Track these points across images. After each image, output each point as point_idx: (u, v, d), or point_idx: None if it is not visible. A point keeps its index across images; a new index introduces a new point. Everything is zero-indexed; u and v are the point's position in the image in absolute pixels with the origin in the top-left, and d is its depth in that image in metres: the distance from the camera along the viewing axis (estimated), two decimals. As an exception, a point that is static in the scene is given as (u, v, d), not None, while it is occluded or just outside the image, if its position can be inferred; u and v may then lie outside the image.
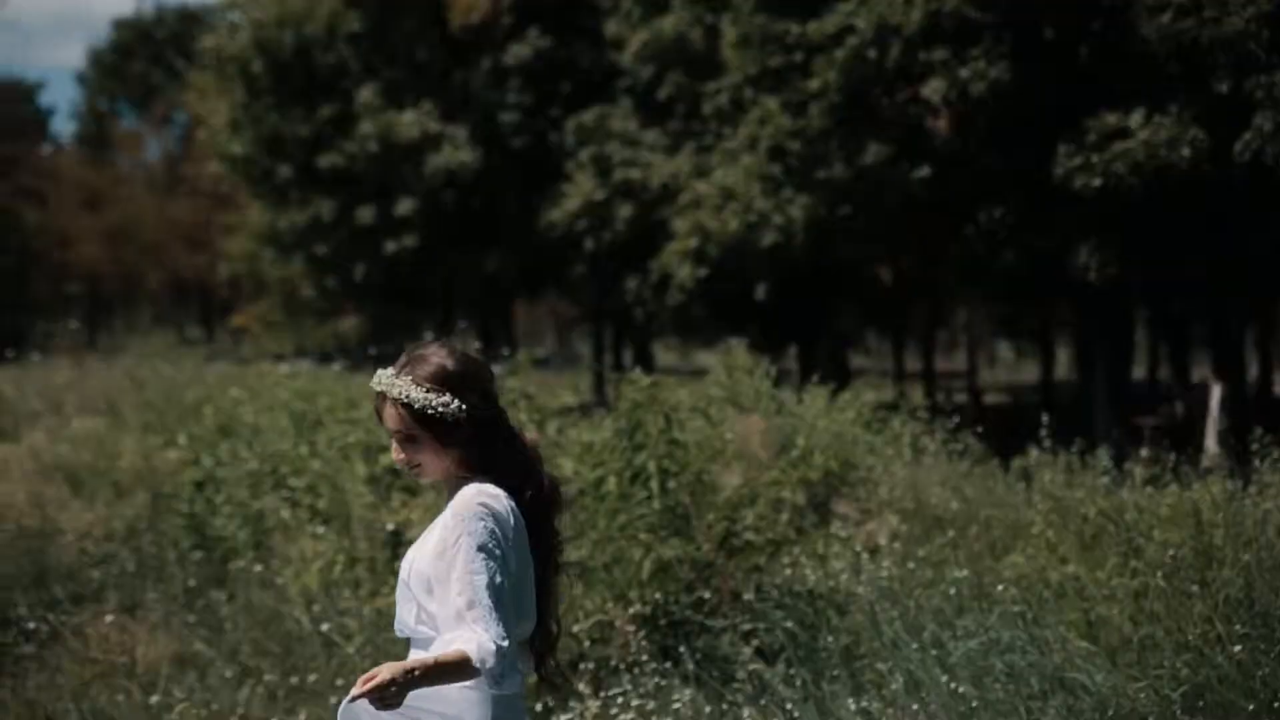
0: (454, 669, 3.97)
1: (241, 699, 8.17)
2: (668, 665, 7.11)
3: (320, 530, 9.60)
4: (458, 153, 31.26)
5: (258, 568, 9.41)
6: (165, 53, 65.32)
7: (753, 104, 23.39)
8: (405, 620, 4.23)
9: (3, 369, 19.22)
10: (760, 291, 26.09)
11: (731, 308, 27.76)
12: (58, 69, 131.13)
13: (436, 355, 4.27)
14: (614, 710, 6.69)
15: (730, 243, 24.20)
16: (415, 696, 3.99)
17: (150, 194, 60.35)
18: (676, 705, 6.69)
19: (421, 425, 4.20)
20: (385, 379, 4.23)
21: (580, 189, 29.01)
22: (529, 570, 4.21)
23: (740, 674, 7.13)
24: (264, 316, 42.50)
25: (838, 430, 10.51)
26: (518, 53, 32.11)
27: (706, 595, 7.61)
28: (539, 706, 7.08)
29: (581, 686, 6.95)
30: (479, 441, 4.23)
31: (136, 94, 66.90)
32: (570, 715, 6.83)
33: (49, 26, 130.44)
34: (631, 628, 7.15)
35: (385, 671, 3.87)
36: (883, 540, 8.51)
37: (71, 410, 13.92)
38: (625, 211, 28.51)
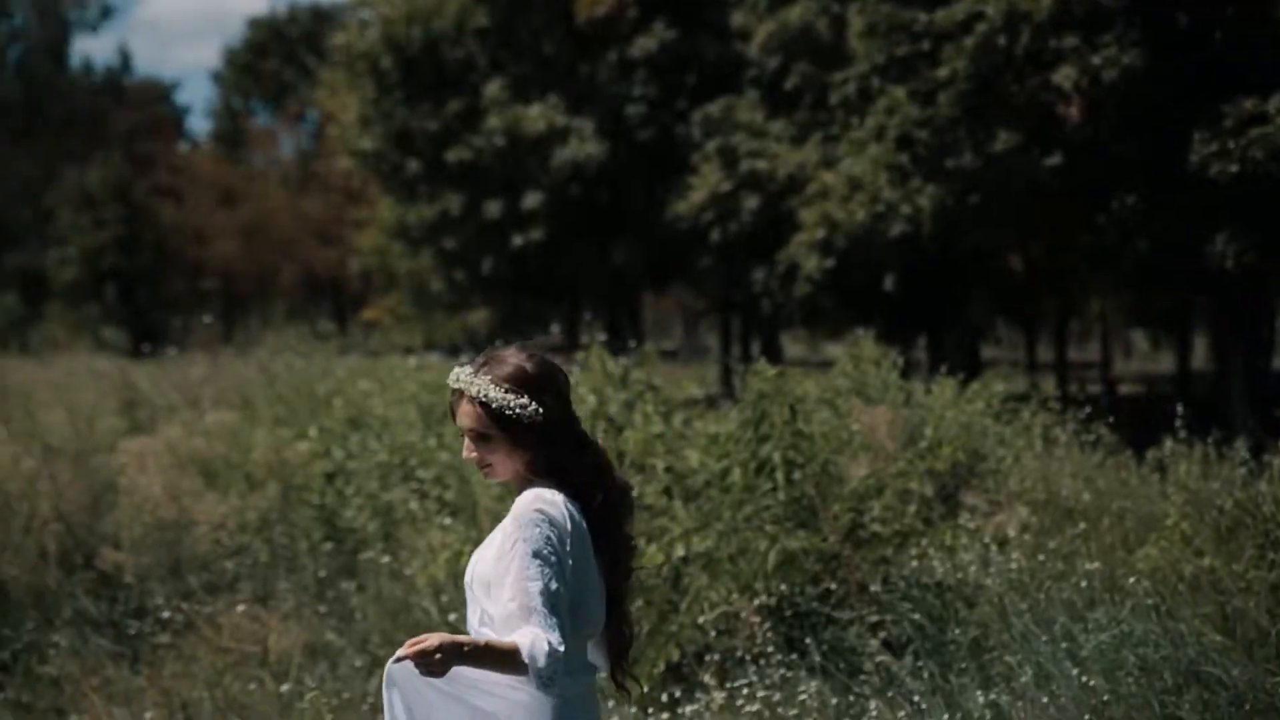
0: (502, 657, 3.99)
1: (371, 688, 8.26)
2: (793, 657, 7.07)
3: (448, 521, 9.67)
4: (584, 146, 31.34)
5: (387, 559, 9.49)
6: (298, 51, 66.15)
7: (880, 93, 23.19)
8: (470, 621, 4.26)
9: (140, 364, 19.60)
10: (888, 282, 25.88)
11: (859, 298, 27.56)
12: (194, 68, 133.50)
13: (515, 357, 4.29)
14: (739, 701, 6.67)
15: (857, 233, 24.02)
16: (464, 685, 4.09)
17: (283, 190, 61.18)
18: (803, 697, 6.65)
19: (497, 425, 4.22)
20: (464, 377, 4.26)
21: (706, 180, 28.93)
22: (591, 575, 4.23)
23: (867, 666, 7.07)
24: (394, 310, 42.90)
25: (966, 421, 10.39)
26: (644, 45, 32.11)
27: (833, 587, 7.56)
28: (664, 697, 7.08)
29: (707, 678, 6.94)
30: (551, 445, 4.25)
31: (270, 92, 67.82)
32: (696, 706, 6.82)
33: (185, 27, 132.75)
34: (757, 619, 7.12)
35: (434, 639, 3.91)
36: (1012, 532, 8.40)
37: (207, 404, 14.13)
38: (752, 203, 28.40)
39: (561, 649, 3.96)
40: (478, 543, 9.10)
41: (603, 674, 4.43)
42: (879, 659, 7.04)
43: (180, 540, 10.20)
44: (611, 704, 7.20)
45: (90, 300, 51.04)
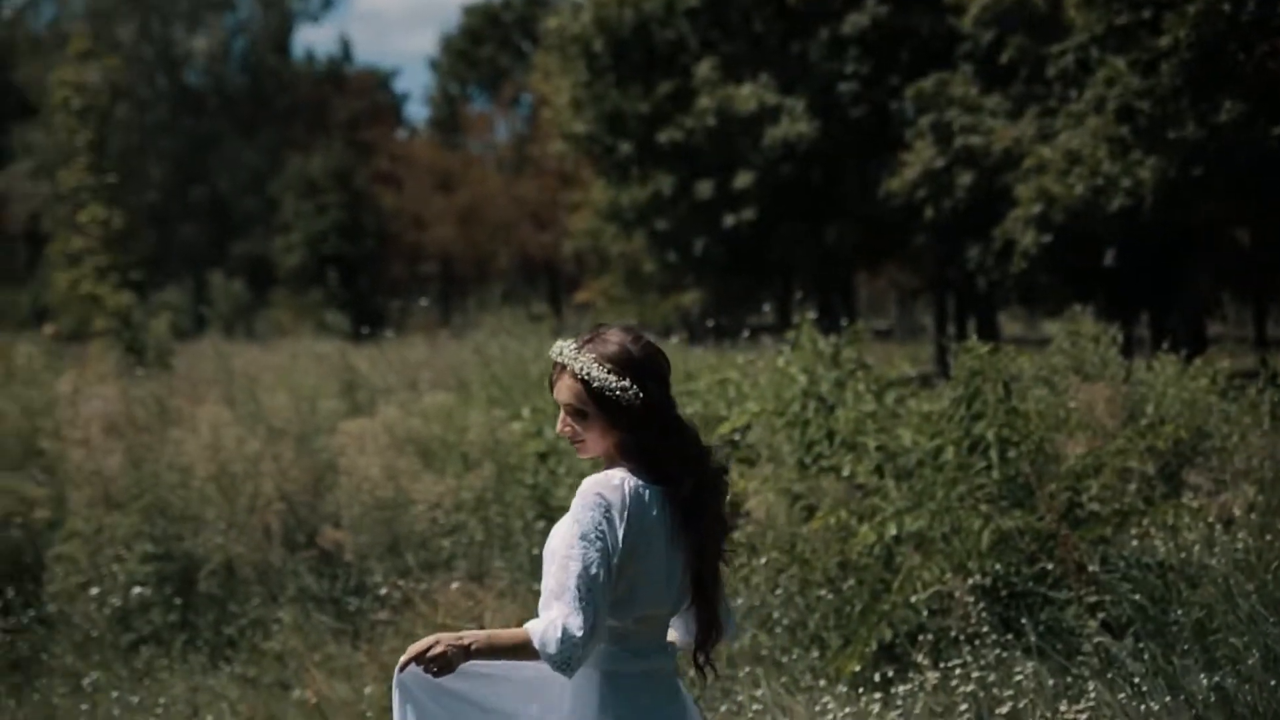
0: (514, 648, 4.11)
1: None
2: (1009, 637, 6.95)
3: (661, 500, 9.67)
4: (796, 124, 31.17)
5: (598, 537, 9.53)
6: (512, 36, 66.87)
7: (1099, 64, 22.67)
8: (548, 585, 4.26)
9: (360, 347, 20.00)
10: (1108, 257, 25.31)
11: (1077, 274, 26.96)
12: (411, 56, 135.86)
13: (620, 338, 4.27)
14: (954, 682, 6.58)
15: (1076, 208, 23.51)
16: (503, 664, 4.19)
17: (499, 175, 61.95)
18: (1019, 678, 6.53)
19: (595, 404, 4.21)
20: (567, 352, 4.25)
21: (920, 157, 28.57)
22: (657, 558, 4.22)
23: (1085, 647, 6.92)
24: (607, 291, 43.16)
25: (1190, 398, 10.09)
26: (855, 21, 31.81)
27: (1049, 567, 7.41)
28: (876, 676, 7.00)
29: (920, 658, 6.85)
30: (644, 429, 4.24)
31: (485, 77, 68.67)
32: (909, 686, 6.74)
33: (403, 16, 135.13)
34: (971, 599, 7.01)
35: (433, 639, 4.08)
36: (1238, 511, 8.12)
37: (424, 386, 14.34)
38: (966, 179, 27.97)
39: (580, 633, 4.00)
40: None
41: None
42: (1097, 640, 6.88)
43: (398, 519, 10.38)
44: (824, 683, 7.16)
45: (313, 285, 52.25)
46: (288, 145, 61.27)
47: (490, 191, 59.24)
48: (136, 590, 9.83)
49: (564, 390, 4.26)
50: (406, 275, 62.56)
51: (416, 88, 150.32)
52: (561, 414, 4.30)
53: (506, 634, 4.14)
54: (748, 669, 7.41)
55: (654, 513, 4.20)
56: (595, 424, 4.24)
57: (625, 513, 4.15)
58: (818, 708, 6.73)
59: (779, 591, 7.97)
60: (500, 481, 10.78)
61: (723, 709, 7.17)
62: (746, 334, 14.63)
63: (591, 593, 4.04)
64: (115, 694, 8.15)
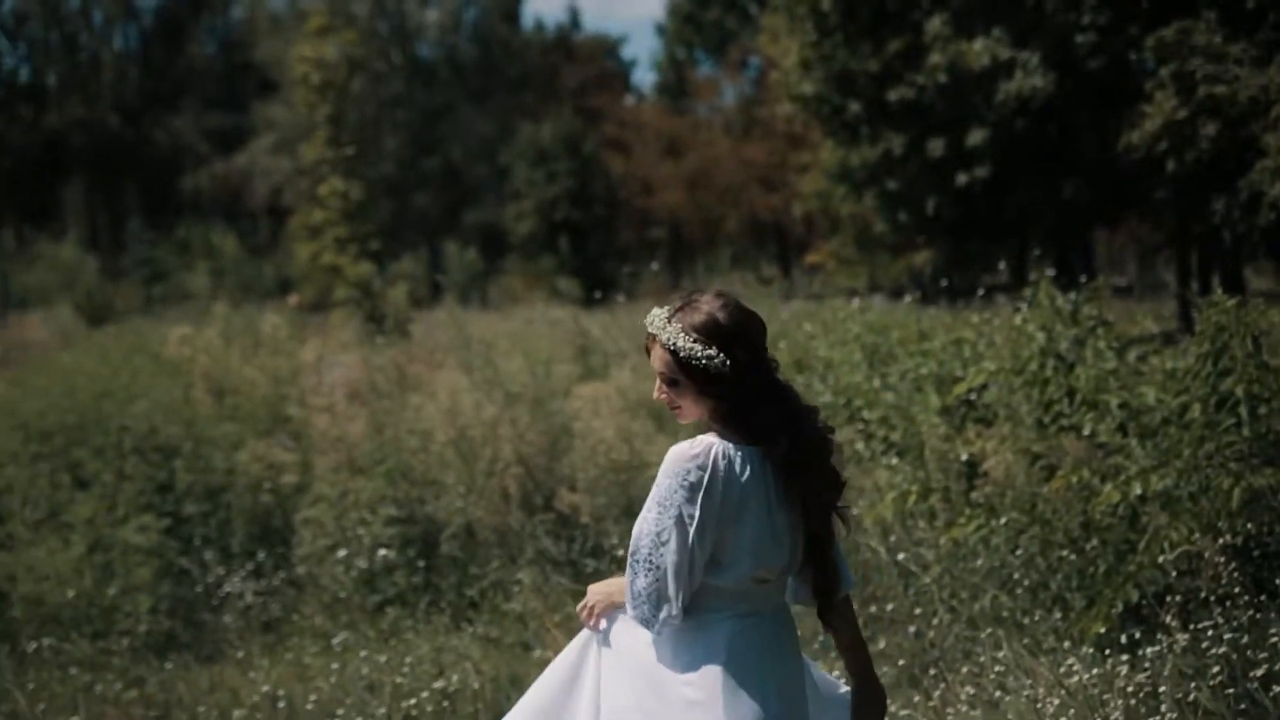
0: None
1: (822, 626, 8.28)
2: (1262, 599, 6.72)
3: (894, 461, 9.59)
4: (1030, 79, 30.53)
5: (834, 498, 9.48)
6: (739, -1, 66.74)
7: (1350, 6, 21.77)
8: None
9: (592, 312, 20.16)
10: (1361, 207, 24.33)
11: (1329, 226, 25.98)
12: (638, 22, 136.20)
13: (709, 305, 4.35)
14: (1204, 644, 6.39)
15: (1327, 156, 22.62)
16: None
17: (727, 138, 61.89)
18: (1273, 639, 6.32)
19: (684, 372, 4.31)
20: (657, 321, 4.37)
21: (1161, 109, 27.70)
22: (751, 521, 4.30)
23: (1344, 610, 6.67)
24: (837, 253, 42.86)
25: None
26: (1091, -29, 31.04)
27: (1303, 526, 7.16)
28: (1124, 638, 6.85)
29: (1168, 619, 6.67)
30: (735, 395, 4.32)
31: (712, 41, 68.59)
32: (1158, 648, 6.57)
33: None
34: (1221, 559, 6.78)
35: (591, 596, 4.55)
36: None
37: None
38: (1210, 130, 27.03)
39: (645, 592, 4.28)
40: (924, 484, 9.04)
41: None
42: (1357, 602, 6.64)
43: (633, 482, 10.45)
44: (1069, 645, 7.02)
45: (544, 252, 52.83)
46: (518, 114, 62.00)
47: (718, 155, 59.20)
48: (381, 553, 10.06)
49: (656, 359, 4.39)
50: (635, 240, 62.92)
51: (644, 53, 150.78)
52: (658, 381, 4.41)
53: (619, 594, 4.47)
54: (989, 631, 7.31)
55: (749, 475, 4.28)
56: (687, 391, 4.34)
57: (706, 481, 4.24)
58: (1062, 669, 6.60)
59: (1019, 552, 7.85)
60: (734, 443, 10.78)
61: (964, 670, 7.08)
62: (981, 293, 14.38)
63: (651, 556, 4.26)
64: (364, 653, 8.36)
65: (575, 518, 10.46)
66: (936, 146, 31.78)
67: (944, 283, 22.60)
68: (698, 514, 4.22)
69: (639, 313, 15.35)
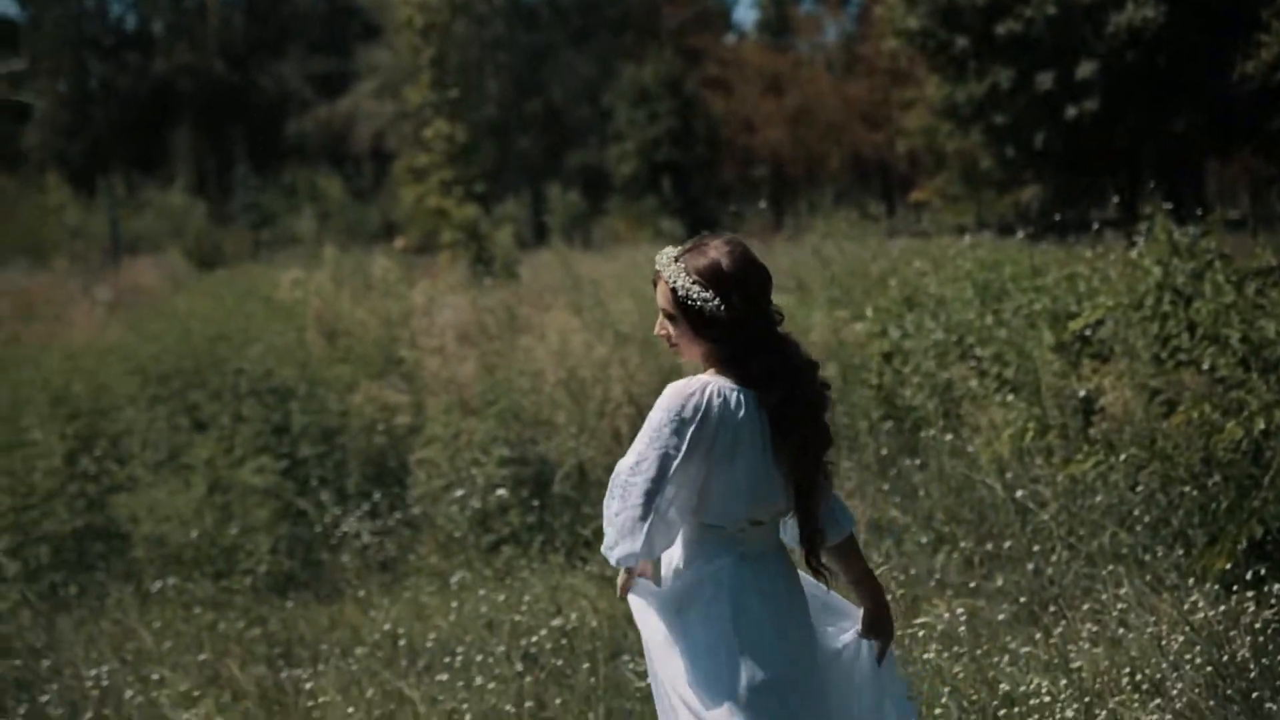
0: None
1: (938, 564, 8.26)
2: None
3: (1009, 398, 9.52)
4: (1141, 9, 30.00)
5: (948, 436, 9.44)
6: (842, -66, 66.10)
7: None
8: None
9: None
10: None
11: None
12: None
13: (715, 251, 4.47)
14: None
15: None
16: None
17: (829, 75, 61.43)
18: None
19: (681, 312, 4.44)
20: (664, 259, 4.50)
21: (1278, 37, 27.21)
22: (746, 461, 4.41)
23: None
24: (942, 189, 42.48)
25: None
26: (1202, -103, 30.41)
27: None
28: (1249, 575, 6.77)
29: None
30: (729, 341, 4.44)
31: (813, -23, 68.07)
32: (1282, 586, 6.51)
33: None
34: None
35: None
36: None
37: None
38: (1327, 58, 26.53)
39: (614, 518, 4.35)
40: (1041, 421, 8.97)
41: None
42: None
43: (744, 420, 10.43)
44: (1192, 581, 6.95)
45: (647, 193, 52.76)
46: (619, 54, 61.84)
47: (820, 92, 58.80)
48: (498, 492, 10.13)
49: (660, 295, 4.52)
50: (738, 180, 62.68)
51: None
52: (660, 317, 4.55)
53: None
54: (1109, 568, 7.25)
55: (743, 415, 4.40)
56: (684, 330, 4.47)
57: (699, 418, 4.35)
58: (1185, 606, 6.54)
59: (1139, 489, 7.77)
60: (845, 382, 10.74)
61: (1085, 607, 7.04)
62: (1095, 227, 14.19)
63: (627, 482, 4.35)
64: (481, 592, 8.43)
65: (687, 456, 10.45)
66: (1045, 80, 31.35)
67: (1055, 218, 22.29)
68: (684, 448, 4.33)
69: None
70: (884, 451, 9.86)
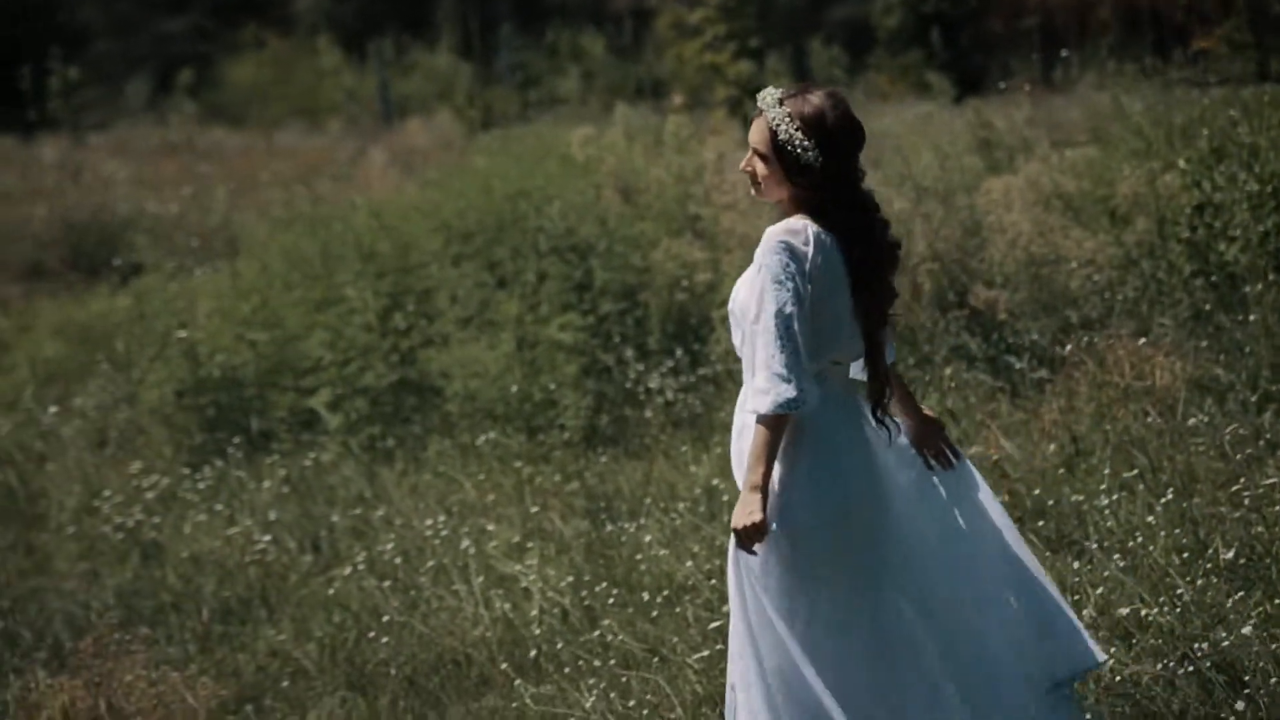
0: (768, 453, 4.43)
1: (1265, 422, 8.02)
2: None
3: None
4: None
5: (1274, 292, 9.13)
6: None
7: None
8: (734, 342, 4.73)
9: (964, 106, 19.57)
10: None
11: None
12: None
13: (820, 101, 4.56)
14: None
15: None
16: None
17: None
18: None
19: (777, 154, 4.55)
20: (769, 99, 4.59)
21: None
22: (842, 302, 4.56)
23: None
24: (1229, 37, 40.80)
25: None
26: None
27: None
28: None
29: None
30: (817, 192, 4.55)
31: None
32: None
33: None
34: None
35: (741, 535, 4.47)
36: None
37: (1042, 142, 13.87)
38: None
39: (786, 371, 4.37)
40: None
41: None
42: None
43: (1052, 276, 10.22)
44: None
45: (912, 46, 51.71)
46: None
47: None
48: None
49: (755, 132, 4.63)
50: (1007, 31, 61.08)
51: None
52: (749, 152, 4.66)
53: (751, 467, 4.45)
54: None
55: (836, 257, 4.54)
56: (774, 172, 4.59)
57: (810, 254, 4.49)
58: None
59: None
60: (1161, 237, 10.44)
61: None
62: None
63: (789, 330, 4.41)
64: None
65: (991, 314, 10.30)
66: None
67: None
68: (810, 287, 4.48)
69: (1014, 106, 14.88)
70: (1208, 307, 9.58)
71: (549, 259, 11.22)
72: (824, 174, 4.55)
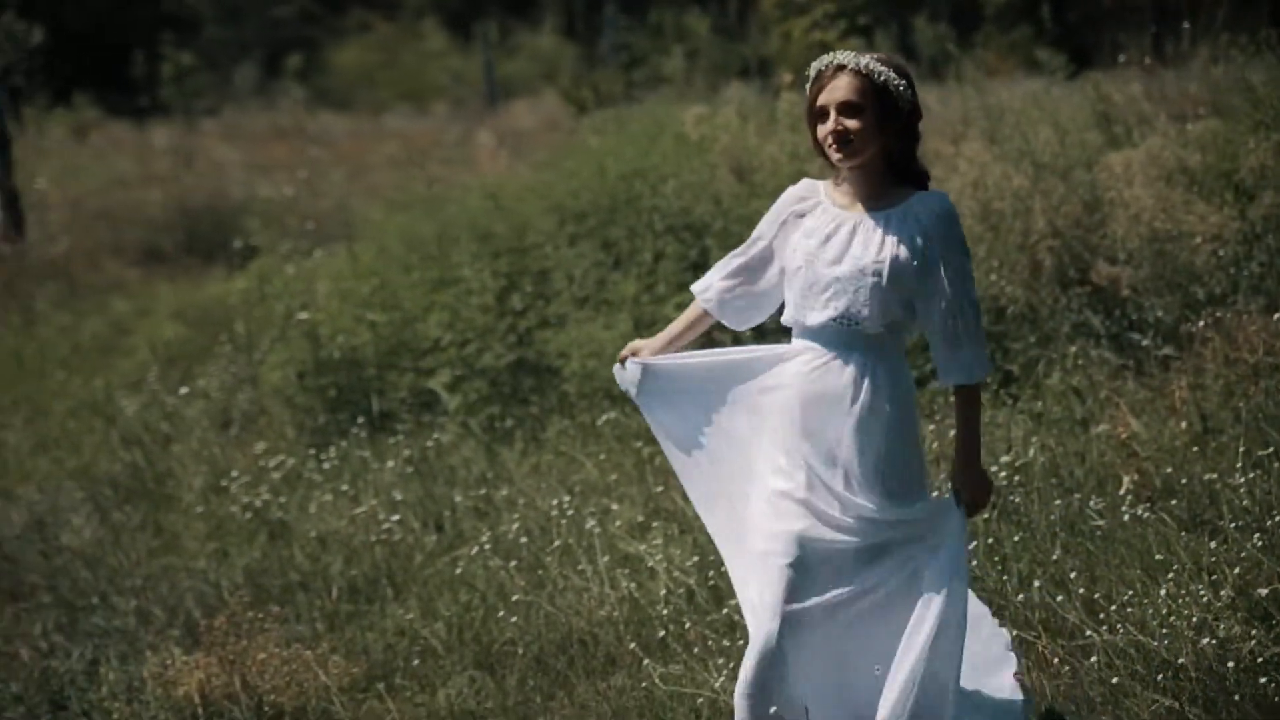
0: (976, 423, 4.80)
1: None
2: None
3: None
4: None
5: None
6: None
7: None
8: (873, 315, 4.68)
9: (1075, 81, 19.31)
10: None
11: None
12: None
13: (890, 56, 4.77)
14: None
15: None
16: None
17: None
18: None
19: (875, 97, 4.64)
20: (849, 55, 4.71)
21: None
22: None
23: None
24: (1349, 7, 40.04)
25: None
26: None
27: None
28: None
29: None
30: (906, 137, 4.74)
31: None
32: None
33: None
34: None
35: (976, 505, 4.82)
36: None
37: (1162, 118, 13.63)
38: None
39: (980, 349, 4.69)
40: None
41: None
42: None
43: (1176, 253, 10.06)
44: None
45: (1021, 21, 51.12)
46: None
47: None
48: (911, 334, 10.00)
49: (842, 88, 4.66)
50: (1117, 6, 60.24)
51: None
52: (833, 114, 4.66)
53: (967, 432, 4.79)
54: None
55: None
56: (869, 122, 4.65)
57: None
58: None
59: None
60: (1283, 211, 10.23)
61: None
62: None
63: (979, 309, 4.78)
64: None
65: (1113, 290, 10.15)
66: None
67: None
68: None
69: (1124, 82, 14.60)
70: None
71: (664, 238, 11.18)
72: (910, 114, 4.74)
